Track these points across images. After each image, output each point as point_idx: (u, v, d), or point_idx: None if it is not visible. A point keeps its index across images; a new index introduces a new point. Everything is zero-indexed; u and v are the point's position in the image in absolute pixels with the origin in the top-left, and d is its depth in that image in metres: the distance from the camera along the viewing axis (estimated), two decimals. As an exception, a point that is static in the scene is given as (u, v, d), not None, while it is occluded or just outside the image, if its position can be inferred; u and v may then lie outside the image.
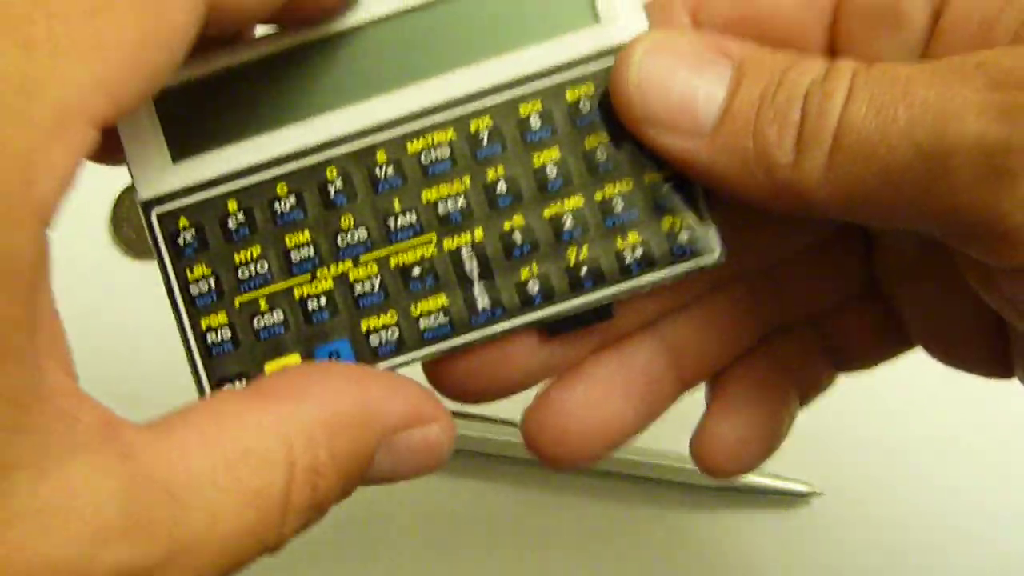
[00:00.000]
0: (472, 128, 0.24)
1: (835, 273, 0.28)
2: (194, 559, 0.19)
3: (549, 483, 0.38)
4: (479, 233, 0.24)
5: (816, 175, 0.22)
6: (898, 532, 0.38)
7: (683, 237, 0.24)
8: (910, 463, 0.39)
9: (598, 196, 0.24)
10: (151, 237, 0.24)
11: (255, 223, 0.24)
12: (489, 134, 0.24)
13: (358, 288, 0.24)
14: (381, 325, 0.24)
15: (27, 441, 0.17)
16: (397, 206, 0.24)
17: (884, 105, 0.21)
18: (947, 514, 0.39)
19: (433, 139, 0.24)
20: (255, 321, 0.24)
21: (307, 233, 0.24)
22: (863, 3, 0.24)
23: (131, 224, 0.43)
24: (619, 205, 0.24)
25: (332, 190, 0.24)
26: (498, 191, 0.24)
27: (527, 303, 0.24)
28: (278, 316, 0.24)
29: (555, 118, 0.24)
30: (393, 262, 0.24)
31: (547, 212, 0.24)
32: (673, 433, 0.37)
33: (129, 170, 0.24)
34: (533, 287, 0.24)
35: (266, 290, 0.24)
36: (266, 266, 0.24)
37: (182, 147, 0.24)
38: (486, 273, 0.24)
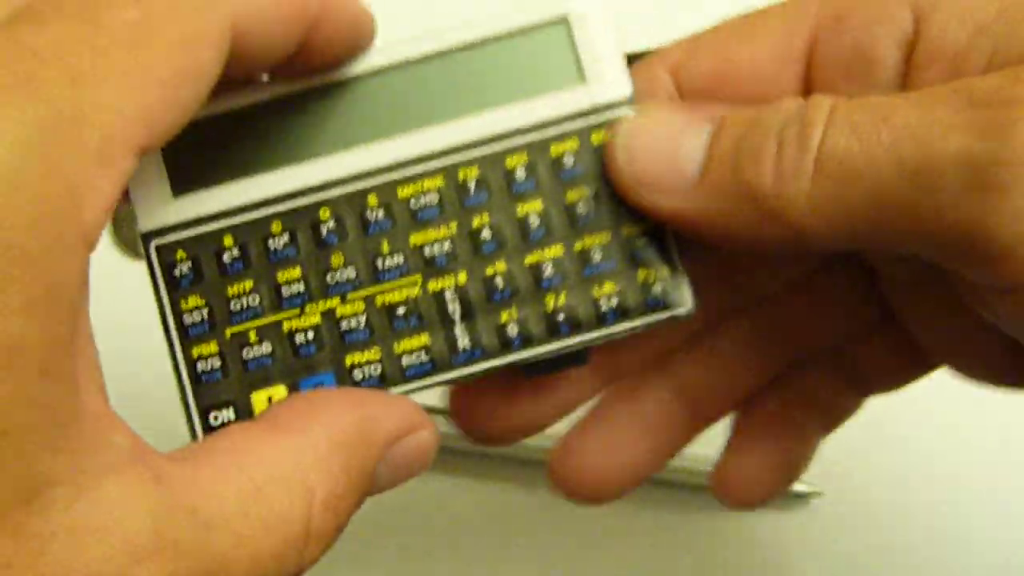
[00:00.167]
0: (460, 177, 0.25)
1: (841, 302, 0.29)
2: None
3: (549, 484, 0.39)
4: (463, 277, 0.25)
5: (802, 202, 0.22)
6: (898, 532, 0.38)
7: (657, 289, 0.25)
8: (910, 463, 0.39)
9: (577, 246, 0.25)
10: (149, 267, 0.25)
11: (249, 258, 0.25)
12: (476, 183, 0.25)
13: (344, 324, 0.25)
14: (365, 360, 0.25)
15: (65, 460, 0.18)
16: (386, 248, 0.25)
17: (866, 130, 0.21)
18: (947, 514, 0.38)
19: (423, 186, 0.25)
20: (244, 352, 0.25)
21: (298, 270, 0.25)
22: (835, 51, 0.25)
23: (131, 224, 0.44)
24: (597, 256, 0.25)
25: (324, 230, 0.25)
26: (482, 237, 0.25)
27: (506, 345, 0.25)
28: (267, 348, 0.25)
29: (539, 171, 0.25)
30: (379, 301, 0.25)
31: (528, 260, 0.25)
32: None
33: (131, 201, 0.25)
34: (512, 330, 0.25)
35: (257, 322, 0.25)
36: (258, 299, 0.25)
37: (183, 182, 0.25)
38: (468, 315, 0.25)
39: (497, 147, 0.25)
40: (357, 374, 0.25)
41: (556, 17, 0.25)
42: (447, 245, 0.25)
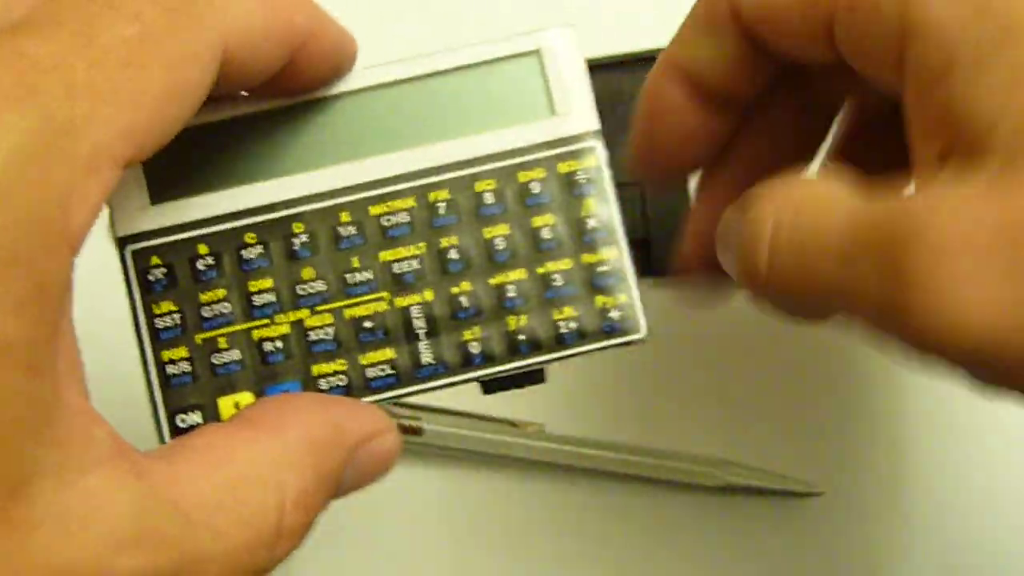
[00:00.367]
0: (431, 198, 0.26)
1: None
2: (200, 573, 0.20)
3: (548, 482, 0.38)
4: (429, 294, 0.26)
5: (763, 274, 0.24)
6: (899, 532, 0.38)
7: (613, 315, 0.26)
8: (910, 463, 0.39)
9: (540, 270, 0.26)
10: (123, 271, 0.26)
11: (222, 267, 0.26)
12: (446, 205, 0.26)
13: (312, 335, 0.26)
14: (331, 371, 0.26)
15: (50, 452, 0.19)
16: (356, 263, 0.26)
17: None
18: (948, 514, 0.38)
19: (395, 205, 0.26)
20: (214, 358, 0.25)
21: (270, 280, 0.26)
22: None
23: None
24: (558, 280, 0.26)
25: (297, 243, 0.26)
26: (450, 257, 0.26)
27: (467, 362, 0.26)
28: (236, 355, 0.25)
29: (507, 197, 0.26)
30: (347, 314, 0.26)
31: (493, 281, 0.26)
32: (674, 433, 0.38)
33: (109, 207, 0.26)
34: (475, 348, 0.26)
35: (227, 330, 0.26)
36: (229, 307, 0.26)
37: (161, 191, 0.26)
38: (432, 332, 0.26)
39: (467, 172, 0.26)
40: (323, 384, 0.26)
41: (529, 50, 0.26)
42: (415, 263, 0.26)
